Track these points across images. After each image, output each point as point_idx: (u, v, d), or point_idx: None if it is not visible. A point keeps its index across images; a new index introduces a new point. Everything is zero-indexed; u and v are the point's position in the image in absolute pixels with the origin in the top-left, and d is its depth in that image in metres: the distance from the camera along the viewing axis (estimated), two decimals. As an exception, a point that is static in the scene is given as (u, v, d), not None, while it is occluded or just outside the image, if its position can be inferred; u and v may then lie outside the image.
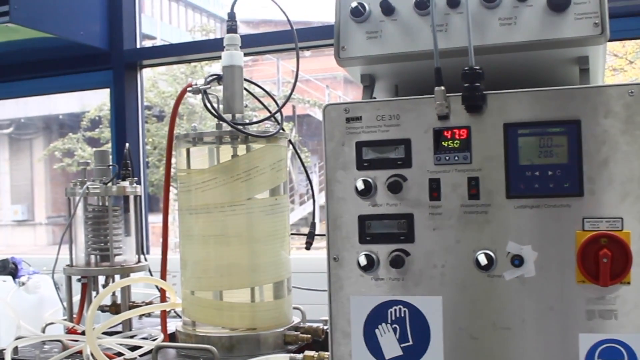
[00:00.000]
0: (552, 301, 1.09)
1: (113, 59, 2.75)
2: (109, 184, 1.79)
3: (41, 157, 10.74)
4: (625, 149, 1.06)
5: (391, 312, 1.16)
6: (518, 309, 1.10)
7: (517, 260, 1.10)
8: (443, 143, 1.12)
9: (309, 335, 1.60)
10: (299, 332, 1.62)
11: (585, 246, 1.06)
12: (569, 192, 1.08)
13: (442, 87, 1.11)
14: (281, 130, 1.63)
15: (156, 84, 7.69)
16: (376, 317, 1.16)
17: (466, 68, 1.09)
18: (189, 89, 1.61)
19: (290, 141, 1.71)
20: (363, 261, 1.15)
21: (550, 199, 1.08)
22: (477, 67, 1.09)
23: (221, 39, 1.66)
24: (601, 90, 1.07)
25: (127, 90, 2.76)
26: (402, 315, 1.15)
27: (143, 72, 2.89)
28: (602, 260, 1.05)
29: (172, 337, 1.69)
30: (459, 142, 1.12)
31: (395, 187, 1.14)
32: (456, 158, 1.12)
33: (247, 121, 1.62)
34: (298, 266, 1.78)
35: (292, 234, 1.70)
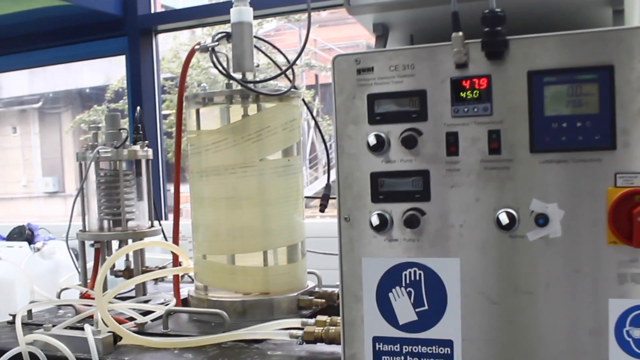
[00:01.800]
0: (579, 264, 1.01)
1: (127, 25, 2.70)
2: (120, 148, 1.74)
3: (68, 130, 10.81)
4: (662, 97, 0.96)
5: (405, 274, 1.08)
6: (542, 272, 1.02)
7: (542, 220, 1.01)
8: (461, 94, 1.04)
9: (324, 300, 1.55)
10: (313, 297, 1.56)
11: (618, 204, 0.98)
12: (600, 145, 0.98)
13: (460, 33, 1.02)
14: (293, 89, 1.56)
15: (178, 54, 7.61)
16: (390, 280, 1.09)
17: (487, 10, 1.00)
18: (197, 47, 1.54)
19: (304, 100, 1.64)
20: (376, 221, 1.07)
21: (579, 153, 0.99)
22: (499, 10, 1.00)
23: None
24: (636, 32, 0.98)
25: (143, 57, 2.71)
26: (417, 278, 1.08)
27: (159, 38, 2.82)
28: (637, 219, 0.96)
29: (185, 301, 1.65)
30: (478, 92, 1.03)
31: (409, 141, 1.06)
32: (475, 110, 1.03)
33: (258, 80, 1.55)
34: (313, 230, 1.72)
35: (306, 197, 1.64)
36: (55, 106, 12.32)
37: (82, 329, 1.34)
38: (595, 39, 0.99)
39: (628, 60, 0.97)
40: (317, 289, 1.63)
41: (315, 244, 1.74)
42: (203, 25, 2.91)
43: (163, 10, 3.11)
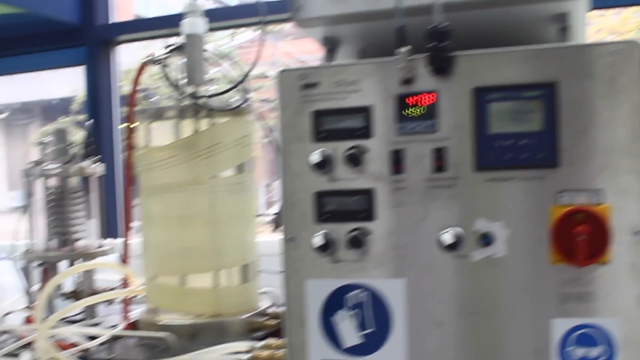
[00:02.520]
0: (523, 283, 0.99)
1: (86, 35, 2.65)
2: (69, 164, 1.70)
3: (34, 142, 10.69)
4: (606, 114, 0.96)
5: (350, 296, 1.06)
6: (487, 293, 1.01)
7: (487, 239, 1.00)
8: (406, 110, 1.02)
9: (276, 321, 1.51)
10: (265, 318, 1.53)
11: (560, 222, 0.97)
12: (543, 162, 0.97)
13: (406, 48, 1.00)
14: (247, 104, 1.53)
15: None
16: (334, 302, 1.06)
17: (432, 25, 0.98)
18: (147, 59, 1.51)
19: (259, 115, 1.61)
20: (320, 241, 1.05)
21: (523, 171, 0.98)
22: (445, 25, 0.98)
23: (206, 12, 1.56)
24: (581, 49, 0.97)
25: (102, 68, 2.66)
26: (362, 300, 1.05)
27: (132, 47, 2.78)
28: (578, 238, 0.95)
29: (135, 324, 1.60)
30: (423, 109, 1.01)
31: (354, 159, 1.03)
32: (420, 127, 1.02)
33: (211, 94, 1.52)
34: (269, 248, 1.68)
35: (259, 215, 1.61)
36: (21, 117, 12.17)
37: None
38: (540, 56, 0.98)
39: (572, 78, 0.96)
40: (270, 309, 1.60)
41: (271, 262, 1.71)
42: (165, 36, 2.87)
43: (135, 18, 3.06)
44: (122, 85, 2.94)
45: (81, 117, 8.39)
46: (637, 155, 0.95)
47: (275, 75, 1.08)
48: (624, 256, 0.96)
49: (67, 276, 1.68)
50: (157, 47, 1.61)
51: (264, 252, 1.62)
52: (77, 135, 1.79)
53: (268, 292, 1.68)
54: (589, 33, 1.26)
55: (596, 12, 1.97)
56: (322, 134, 1.06)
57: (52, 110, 11.48)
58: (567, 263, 0.97)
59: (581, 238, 0.95)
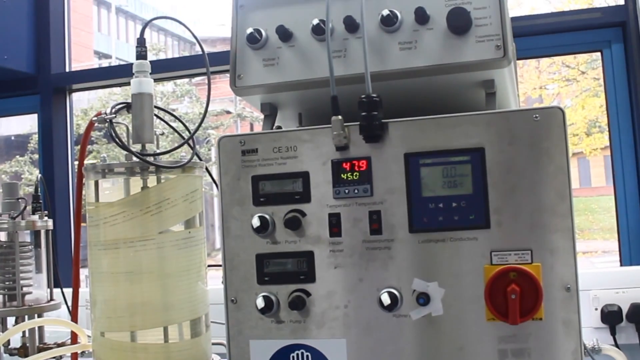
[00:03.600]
0: (462, 340, 1.03)
1: (40, 84, 2.65)
2: (18, 218, 1.69)
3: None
4: (531, 177, 1.00)
5: (293, 356, 1.08)
6: (427, 351, 1.04)
7: (423, 299, 1.03)
8: (342, 175, 1.06)
9: (227, 376, 1.52)
10: (217, 372, 1.53)
11: (494, 281, 1.00)
12: (475, 224, 1.02)
13: (339, 117, 1.04)
14: (196, 159, 1.55)
15: (107, 104, 7.54)
16: (278, 362, 1.09)
17: (363, 96, 1.03)
18: (94, 118, 1.52)
19: (207, 170, 1.63)
20: (261, 303, 1.07)
21: (456, 232, 1.02)
22: (374, 95, 1.02)
23: (156, 61, 1.58)
24: (504, 115, 1.02)
25: (55, 116, 2.66)
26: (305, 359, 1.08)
27: (72, 97, 2.78)
28: (511, 296, 0.99)
29: (86, 380, 1.60)
30: (358, 174, 1.05)
31: (293, 223, 1.06)
32: (356, 191, 1.05)
33: (159, 151, 1.53)
34: (220, 297, 1.69)
35: (209, 265, 1.62)
36: (-23, 155, 11.96)
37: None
38: (467, 122, 1.02)
39: (498, 142, 1.01)
40: (223, 360, 1.61)
41: (222, 311, 1.72)
42: (119, 85, 2.89)
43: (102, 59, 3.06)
44: (79, 124, 2.93)
45: (37, 156, 8.31)
46: (563, 214, 1.00)
47: (215, 142, 1.11)
48: (557, 312, 1.00)
49: (15, 333, 1.66)
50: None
51: (214, 301, 1.62)
52: (34, 174, 1.79)
53: (219, 343, 1.68)
54: (542, 66, 1.32)
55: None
56: (261, 198, 1.09)
57: (8, 147, 11.32)
58: (502, 320, 1.00)
59: (514, 297, 0.99)
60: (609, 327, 1.75)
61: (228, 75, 1.22)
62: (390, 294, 1.03)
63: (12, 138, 11.32)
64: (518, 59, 1.22)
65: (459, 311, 1.02)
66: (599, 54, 2.14)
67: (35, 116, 2.80)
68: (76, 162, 2.78)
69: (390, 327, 1.04)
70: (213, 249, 5.72)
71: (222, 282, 1.52)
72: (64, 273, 1.90)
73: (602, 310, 1.77)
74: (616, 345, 1.70)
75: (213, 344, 1.63)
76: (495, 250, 1.01)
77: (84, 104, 8.12)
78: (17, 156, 9.18)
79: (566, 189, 1.00)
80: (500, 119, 1.01)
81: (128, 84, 2.39)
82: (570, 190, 1.00)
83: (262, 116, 1.22)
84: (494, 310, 1.00)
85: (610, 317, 1.76)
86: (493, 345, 1.02)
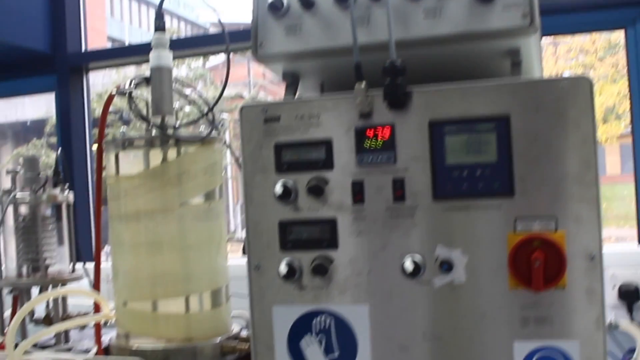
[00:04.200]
0: (484, 308, 1.03)
1: (57, 63, 2.66)
2: (39, 192, 1.71)
3: (5, 165, 10.58)
4: (557, 145, 1.00)
5: (316, 322, 1.09)
6: (449, 317, 1.04)
7: (446, 266, 1.03)
8: (365, 143, 1.06)
9: (248, 345, 1.53)
10: (237, 342, 1.54)
11: (517, 249, 1.00)
12: (499, 192, 1.01)
13: (363, 83, 1.04)
14: (215, 133, 1.56)
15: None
16: (300, 327, 1.09)
17: (387, 62, 1.02)
18: (114, 91, 1.53)
19: (226, 143, 1.64)
20: (284, 269, 1.08)
21: (480, 200, 1.02)
22: (399, 61, 1.02)
23: (174, 40, 1.59)
24: (531, 84, 1.01)
25: (73, 95, 2.67)
26: (327, 325, 1.08)
27: (90, 75, 2.80)
28: (535, 264, 0.99)
29: (107, 349, 1.61)
30: (382, 141, 1.05)
31: (316, 190, 1.07)
32: (380, 158, 1.05)
33: (179, 124, 1.54)
34: (240, 272, 1.70)
35: (229, 239, 1.63)
36: (-6, 139, 12.05)
37: (-7, 383, 1.29)
38: (493, 91, 1.02)
39: (524, 111, 1.00)
40: (243, 333, 1.62)
41: (242, 285, 1.73)
42: (136, 63, 2.89)
43: (109, 41, 3.08)
44: (94, 108, 2.95)
45: (54, 139, 8.36)
46: (588, 183, 1.00)
47: (237, 111, 1.11)
48: (581, 281, 1.00)
49: (39, 303, 1.68)
50: (131, 70, 1.63)
51: (236, 275, 1.64)
52: (50, 158, 1.80)
53: (240, 316, 1.70)
54: (560, 52, 1.31)
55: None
56: (284, 166, 1.09)
57: (25, 132, 11.39)
58: (526, 288, 1.00)
59: (538, 264, 0.99)
60: (626, 305, 1.75)
61: (243, 58, 1.22)
62: (414, 261, 1.03)
63: (28, 123, 11.40)
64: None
65: (481, 279, 1.03)
66: (618, 39, 2.12)
67: (50, 99, 2.82)
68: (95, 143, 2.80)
69: (412, 293, 1.05)
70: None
71: (245, 249, 1.53)
72: (84, 247, 1.92)
73: (619, 289, 1.77)
74: (633, 323, 1.70)
75: (233, 316, 1.64)
76: (519, 218, 1.01)
77: (99, 88, 8.15)
78: (34, 139, 9.25)
79: (592, 158, 0.99)
80: (527, 87, 1.01)
81: (145, 61, 2.40)
82: (596, 160, 1.00)
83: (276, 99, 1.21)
84: (517, 277, 1.00)
85: (628, 295, 1.76)
86: (515, 312, 1.02)
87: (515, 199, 1.01)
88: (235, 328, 1.63)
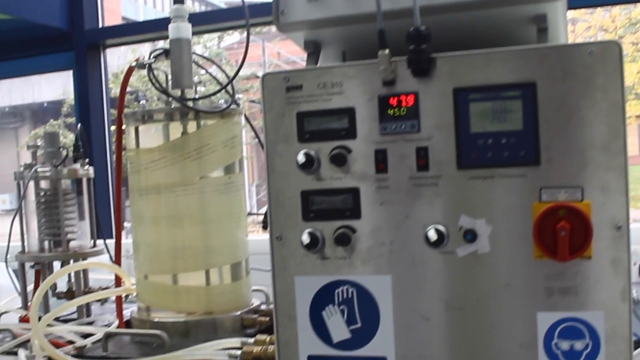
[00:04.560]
0: (508, 278, 1.02)
1: (74, 40, 2.66)
2: (60, 167, 1.71)
3: (23, 145, 10.64)
4: (584, 113, 0.98)
5: (338, 292, 1.08)
6: (472, 288, 1.03)
7: (470, 235, 1.02)
8: (389, 111, 1.04)
9: (268, 318, 1.53)
10: (257, 315, 1.55)
11: (543, 219, 0.99)
12: (524, 160, 1.00)
13: (387, 50, 1.02)
14: (234, 106, 1.55)
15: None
16: (323, 298, 1.09)
17: (411, 28, 1.01)
18: (134, 64, 1.52)
19: (246, 117, 1.63)
20: (307, 239, 1.07)
21: (505, 169, 1.01)
22: (423, 28, 1.00)
23: (191, 16, 1.57)
24: (558, 49, 0.99)
25: (90, 72, 2.67)
26: (350, 296, 1.08)
27: (119, 51, 2.79)
28: (560, 233, 0.97)
29: (129, 322, 1.62)
30: (405, 109, 1.04)
31: (339, 159, 1.06)
32: (403, 127, 1.04)
33: (198, 97, 1.54)
34: (259, 247, 1.70)
35: (249, 213, 1.63)
36: (11, 121, 12.14)
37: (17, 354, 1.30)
38: (518, 57, 1.00)
39: (550, 78, 0.98)
40: (263, 307, 1.62)
41: (261, 260, 1.73)
42: (152, 40, 2.89)
43: (123, 23, 3.08)
44: (111, 88, 2.95)
45: (71, 119, 8.39)
46: (616, 152, 0.98)
47: (259, 79, 1.10)
48: (607, 251, 0.99)
49: (61, 276, 1.70)
50: (145, 49, 1.63)
51: (255, 251, 1.64)
52: (68, 138, 1.80)
53: (259, 290, 1.70)
54: (578, 30, 1.29)
55: (584, 10, 2.01)
56: (306, 135, 1.08)
57: (42, 113, 11.46)
58: (551, 258, 0.99)
59: (563, 234, 0.97)
60: (647, 282, 1.73)
61: (258, 38, 1.20)
62: (437, 231, 1.02)
63: (45, 104, 11.46)
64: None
65: (506, 248, 1.01)
66: (638, 16, 2.08)
67: (66, 80, 2.82)
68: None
69: (435, 263, 1.04)
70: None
71: (266, 224, 1.53)
72: (103, 225, 1.92)
73: (640, 266, 1.76)
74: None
75: (253, 290, 1.65)
76: (545, 187, 1.00)
77: (115, 69, 8.16)
78: (51, 120, 9.30)
79: (620, 126, 0.97)
80: (553, 53, 0.99)
81: (162, 37, 2.39)
82: (625, 127, 0.98)
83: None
84: (542, 247, 0.99)
85: (649, 272, 1.74)
86: (540, 283, 1.00)
87: (541, 168, 0.99)
88: (255, 302, 1.63)
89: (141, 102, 1.56)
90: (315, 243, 1.07)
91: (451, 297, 1.04)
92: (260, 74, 1.48)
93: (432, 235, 1.02)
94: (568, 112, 0.98)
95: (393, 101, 1.04)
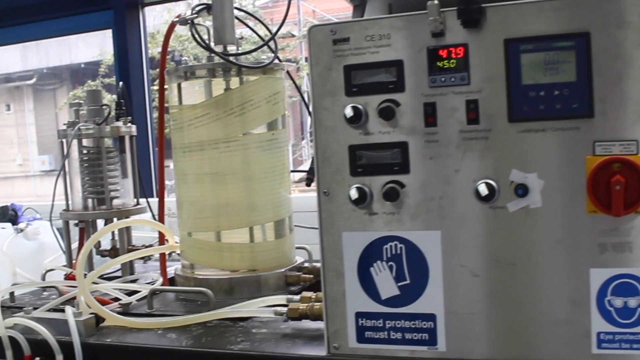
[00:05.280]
0: (560, 234, 1.00)
1: (113, -2, 2.65)
2: (103, 125, 1.72)
3: (62, 106, 10.74)
4: (640, 63, 0.94)
5: (386, 248, 1.07)
6: (523, 243, 1.01)
7: (522, 190, 1.00)
8: (438, 63, 1.02)
9: (312, 276, 1.54)
10: (301, 273, 1.55)
11: (597, 172, 0.96)
12: (578, 113, 0.97)
13: (436, 1, 1.00)
14: (277, 61, 1.54)
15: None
16: (371, 254, 1.08)
17: (462, -22, 0.98)
18: (176, 19, 1.51)
19: (288, 73, 1.62)
20: (354, 195, 1.06)
21: (557, 122, 0.98)
22: (474, -23, 0.97)
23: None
24: (614, -2, 0.95)
25: (129, 30, 2.67)
26: (399, 252, 1.07)
27: (155, 11, 2.79)
28: (615, 187, 0.95)
29: (172, 280, 1.64)
30: (455, 61, 1.01)
31: (387, 113, 1.04)
32: (453, 79, 1.01)
33: (241, 52, 1.52)
34: (302, 205, 1.70)
35: (292, 170, 1.62)
36: (49, 82, 12.25)
37: (64, 311, 1.32)
38: (571, 6, 0.97)
39: (604, 27, 0.95)
40: (306, 264, 1.62)
41: (304, 218, 1.73)
42: (189, -1, 2.87)
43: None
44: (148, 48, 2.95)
45: (109, 80, 8.43)
46: (673, 104, 0.94)
47: (306, 32, 1.08)
48: (663, 206, 0.96)
49: (105, 233, 1.71)
50: (181, 9, 1.61)
51: (297, 209, 1.64)
52: (106, 99, 1.81)
53: (302, 248, 1.70)
54: None
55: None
56: (354, 88, 1.06)
57: (79, 74, 11.54)
58: (604, 213, 0.97)
59: (618, 188, 0.95)
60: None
61: None
62: (488, 185, 1.00)
63: (82, 65, 11.53)
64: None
65: (558, 203, 0.99)
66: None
67: (102, 40, 2.83)
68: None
69: (486, 219, 1.02)
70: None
71: (309, 181, 1.52)
72: (145, 182, 1.93)
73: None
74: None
75: (296, 248, 1.65)
76: (598, 141, 0.97)
77: (150, 29, 8.16)
78: (89, 81, 9.35)
79: (678, 76, 0.94)
80: (608, 2, 0.95)
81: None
82: (683, 78, 0.94)
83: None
84: (596, 202, 0.97)
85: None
86: (593, 238, 0.98)
87: (595, 121, 0.97)
88: (298, 259, 1.64)
89: (183, 59, 1.55)
90: (363, 198, 1.06)
91: (501, 253, 1.02)
92: (295, 32, 1.46)
93: (483, 189, 1.00)
94: (623, 63, 0.95)
95: (442, 53, 1.02)
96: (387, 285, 1.08)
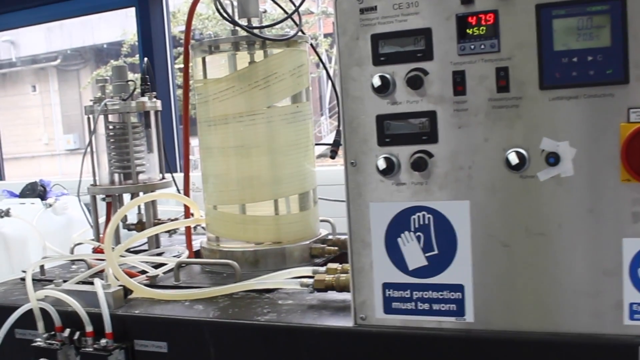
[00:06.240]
0: (592, 203, 0.98)
1: (136, -24, 2.65)
2: (128, 100, 1.72)
3: (86, 86, 10.80)
4: (678, 27, 0.92)
5: (414, 219, 1.06)
6: (554, 213, 1.00)
7: (553, 159, 0.98)
8: (467, 30, 1.00)
9: (337, 248, 1.54)
10: (325, 245, 1.55)
11: (631, 140, 0.94)
12: (612, 79, 0.95)
13: (465, -34, 0.98)
14: (301, 34, 1.52)
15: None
16: (398, 224, 1.07)
17: (492, -58, 0.95)
18: (200, -8, 1.50)
19: (312, 45, 1.60)
20: (382, 165, 1.05)
21: (591, 88, 0.96)
22: (505, -60, 0.95)
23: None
24: (651, -41, 0.93)
25: (152, 8, 2.67)
26: (427, 222, 1.06)
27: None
28: (650, 155, 0.93)
29: (198, 253, 1.65)
30: (485, 28, 0.99)
31: (415, 82, 1.02)
32: (482, 47, 0.99)
33: (263, 25, 1.51)
34: (326, 178, 1.70)
35: (316, 143, 1.61)
36: (73, 63, 12.32)
37: (93, 283, 1.33)
38: (607, -32, 0.94)
39: (642, -11, 0.92)
40: (330, 237, 1.62)
41: (328, 191, 1.72)
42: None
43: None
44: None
45: (132, 59, 8.46)
46: None
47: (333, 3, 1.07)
48: (699, 173, 0.94)
49: (132, 207, 1.72)
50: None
51: (321, 182, 1.63)
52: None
53: (326, 221, 1.70)
54: None
55: None
56: (381, 58, 1.05)
57: (102, 54, 11.58)
58: (639, 181, 0.94)
59: (654, 155, 0.93)
60: None
61: None
62: (518, 154, 0.99)
63: (105, 46, 11.57)
64: None
65: (590, 172, 0.97)
66: None
67: (124, 21, 2.83)
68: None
69: (516, 188, 1.01)
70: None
71: (334, 153, 1.51)
72: (169, 157, 1.94)
73: None
74: None
75: (320, 220, 1.64)
76: (633, 107, 0.94)
77: (171, 8, 8.15)
78: (112, 61, 9.38)
79: None
80: (646, -38, 0.92)
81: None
82: None
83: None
84: (630, 170, 0.95)
85: None
86: (626, 207, 0.96)
87: (630, 87, 0.94)
88: (322, 232, 1.63)
89: (208, 33, 1.54)
90: (391, 168, 1.05)
91: (532, 223, 1.01)
92: (314, 8, 1.44)
93: (513, 158, 0.99)
94: (660, 27, 0.92)
95: (472, 20, 1.00)
96: (414, 255, 1.07)
